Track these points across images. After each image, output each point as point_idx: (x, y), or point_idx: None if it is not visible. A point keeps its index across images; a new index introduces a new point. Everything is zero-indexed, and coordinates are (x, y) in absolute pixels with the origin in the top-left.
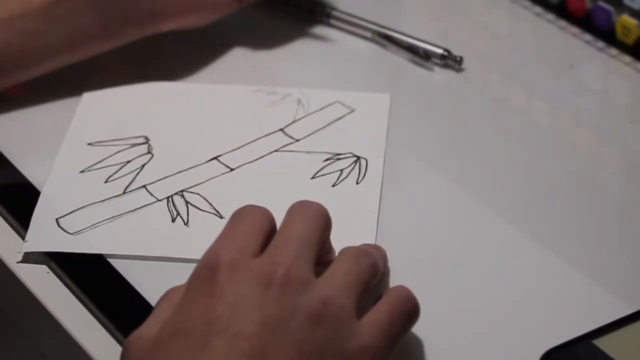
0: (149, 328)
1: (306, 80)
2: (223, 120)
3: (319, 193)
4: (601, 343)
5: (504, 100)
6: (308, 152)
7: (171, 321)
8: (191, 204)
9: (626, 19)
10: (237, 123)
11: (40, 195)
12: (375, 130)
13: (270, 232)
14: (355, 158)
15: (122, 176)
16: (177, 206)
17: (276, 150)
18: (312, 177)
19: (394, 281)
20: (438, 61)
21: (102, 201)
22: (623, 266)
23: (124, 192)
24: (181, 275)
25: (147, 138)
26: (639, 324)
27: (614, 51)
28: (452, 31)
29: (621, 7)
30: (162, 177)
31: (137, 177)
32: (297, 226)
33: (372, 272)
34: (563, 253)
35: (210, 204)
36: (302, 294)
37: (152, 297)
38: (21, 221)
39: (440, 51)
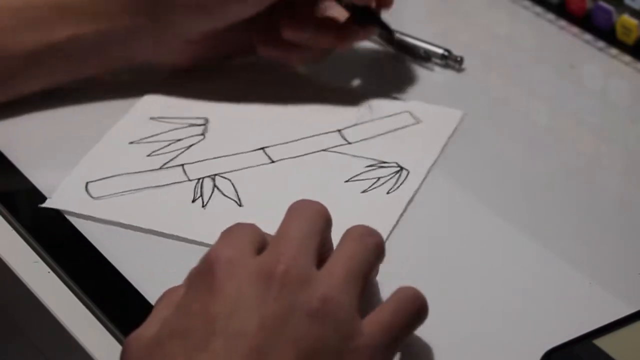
0: (148, 328)
1: (306, 80)
2: (287, 112)
3: (346, 197)
4: (602, 343)
5: (504, 100)
6: (354, 156)
7: (170, 321)
8: (218, 188)
9: (626, 18)
10: (299, 117)
11: (84, 158)
12: (431, 145)
13: (262, 238)
14: (398, 169)
15: (167, 153)
16: (204, 188)
17: (324, 150)
18: (346, 181)
19: (394, 281)
20: (438, 61)
21: (136, 173)
22: (623, 266)
23: (160, 168)
24: (183, 274)
25: (207, 120)
26: (639, 324)
27: (614, 51)
28: (452, 31)
29: (622, 7)
30: (202, 159)
31: (180, 156)
32: (297, 224)
33: (377, 252)
34: (563, 253)
35: (236, 191)
36: (302, 291)
37: (152, 296)
38: (22, 221)
39: (440, 51)
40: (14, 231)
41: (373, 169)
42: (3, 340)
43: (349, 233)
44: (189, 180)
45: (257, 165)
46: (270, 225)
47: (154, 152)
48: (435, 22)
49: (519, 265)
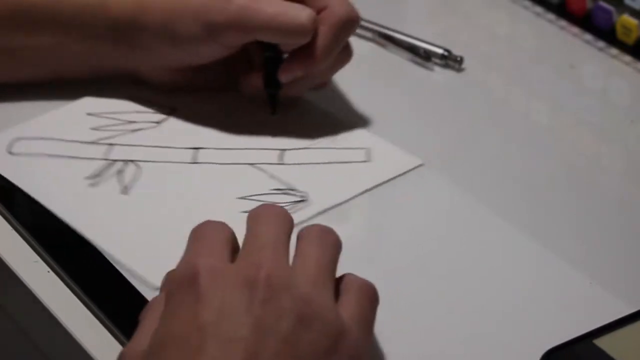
0: (139, 342)
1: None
2: (252, 119)
3: (223, 213)
4: (602, 343)
5: (504, 100)
6: (272, 177)
7: (159, 332)
8: (121, 173)
9: (627, 18)
10: (259, 127)
11: (37, 117)
12: (356, 184)
13: (233, 240)
14: (301, 200)
15: (111, 130)
16: (110, 170)
17: (250, 164)
18: (240, 198)
19: (395, 281)
20: (438, 61)
21: (63, 140)
22: (623, 266)
23: (91, 142)
24: None
25: (173, 110)
26: (639, 324)
27: (614, 51)
28: (452, 31)
29: (622, 7)
30: (137, 144)
31: (119, 136)
32: (266, 229)
33: (338, 250)
34: (563, 253)
35: (133, 180)
36: (286, 295)
37: (152, 296)
38: (22, 221)
39: (440, 51)
40: (14, 231)
41: (276, 194)
42: (3, 340)
43: (308, 235)
44: (105, 160)
45: (176, 162)
46: (149, 218)
47: (101, 126)
48: (435, 22)
49: (519, 265)
